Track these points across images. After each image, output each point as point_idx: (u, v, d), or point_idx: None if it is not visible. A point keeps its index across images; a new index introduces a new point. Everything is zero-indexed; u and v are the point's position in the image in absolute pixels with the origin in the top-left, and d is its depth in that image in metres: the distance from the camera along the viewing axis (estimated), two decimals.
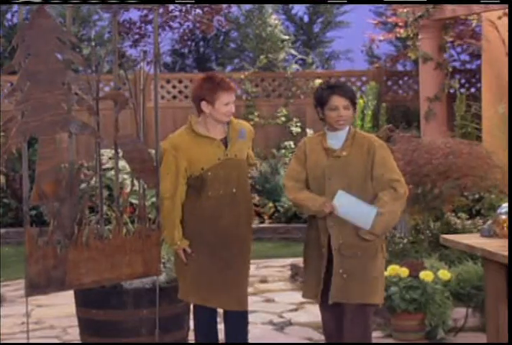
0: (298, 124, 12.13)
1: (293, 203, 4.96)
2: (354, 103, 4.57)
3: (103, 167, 9.01)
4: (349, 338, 4.62)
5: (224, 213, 4.68)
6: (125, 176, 8.89)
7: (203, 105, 4.63)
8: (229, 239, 4.69)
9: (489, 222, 4.77)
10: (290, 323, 6.33)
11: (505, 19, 8.53)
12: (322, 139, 4.63)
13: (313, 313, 6.12)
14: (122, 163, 5.80)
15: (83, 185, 4.59)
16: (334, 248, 4.52)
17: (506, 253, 4.15)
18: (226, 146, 4.69)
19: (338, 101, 4.50)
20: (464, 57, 12.91)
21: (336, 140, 4.59)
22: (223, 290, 4.71)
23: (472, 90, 12.12)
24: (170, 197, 4.66)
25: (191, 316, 5.01)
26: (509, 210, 4.39)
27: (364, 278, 4.52)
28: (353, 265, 4.51)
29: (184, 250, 4.69)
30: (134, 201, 7.52)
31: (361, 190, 4.51)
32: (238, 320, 4.86)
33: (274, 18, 13.03)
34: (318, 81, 12.14)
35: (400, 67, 14.16)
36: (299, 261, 6.84)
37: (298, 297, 6.73)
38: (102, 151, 4.82)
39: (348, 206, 4.47)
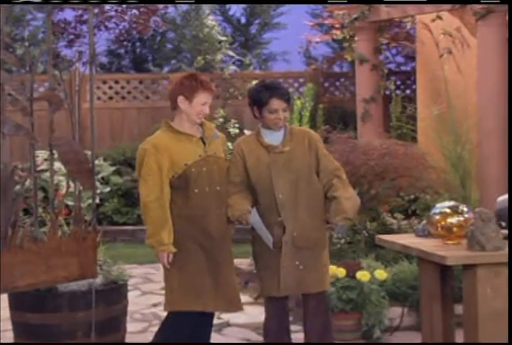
0: (236, 125, 12.12)
1: None
2: (289, 104, 4.69)
3: (38, 168, 8.90)
4: (312, 328, 4.71)
5: (211, 211, 4.59)
6: (60, 178, 8.79)
7: (180, 100, 4.56)
8: (217, 238, 4.60)
9: (423, 222, 4.83)
10: (228, 325, 6.31)
11: (439, 22, 8.67)
12: (258, 137, 4.69)
13: (250, 314, 6.13)
14: (57, 165, 5.73)
15: (18, 187, 4.52)
16: (286, 241, 4.58)
17: (440, 252, 4.21)
18: (204, 145, 4.64)
19: (278, 104, 4.60)
20: (400, 59, 13.08)
21: (273, 137, 4.66)
22: (220, 292, 4.60)
23: (408, 91, 12.25)
24: (156, 199, 4.50)
25: (128, 319, 4.94)
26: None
27: (317, 268, 4.66)
28: (307, 256, 4.62)
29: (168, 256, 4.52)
30: (70, 203, 7.45)
31: (308, 182, 4.63)
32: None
33: (211, 19, 13.01)
34: (255, 82, 12.16)
35: (337, 69, 14.28)
36: (238, 262, 6.83)
37: None
38: (37, 152, 4.76)
39: (256, 224, 4.63)
